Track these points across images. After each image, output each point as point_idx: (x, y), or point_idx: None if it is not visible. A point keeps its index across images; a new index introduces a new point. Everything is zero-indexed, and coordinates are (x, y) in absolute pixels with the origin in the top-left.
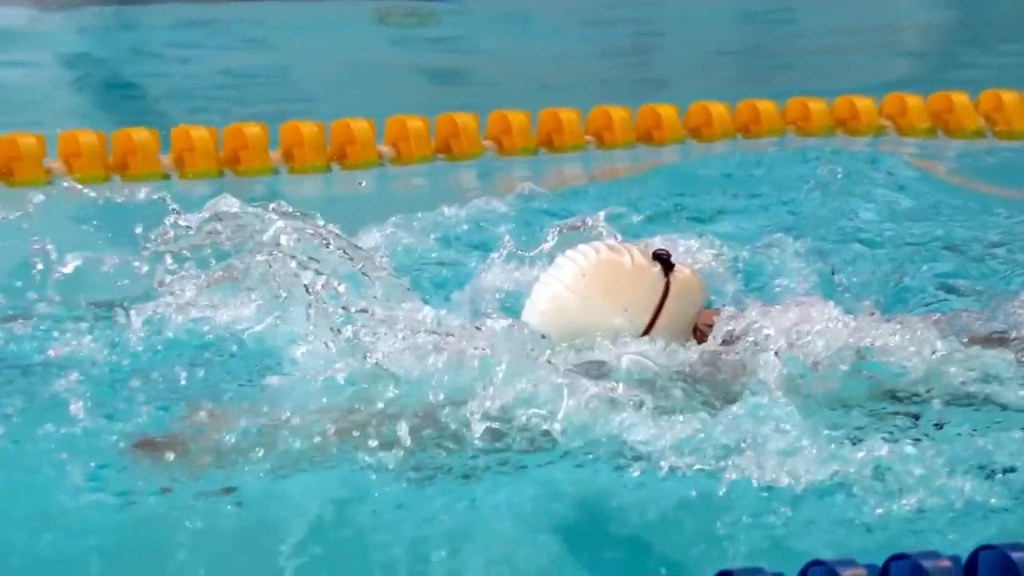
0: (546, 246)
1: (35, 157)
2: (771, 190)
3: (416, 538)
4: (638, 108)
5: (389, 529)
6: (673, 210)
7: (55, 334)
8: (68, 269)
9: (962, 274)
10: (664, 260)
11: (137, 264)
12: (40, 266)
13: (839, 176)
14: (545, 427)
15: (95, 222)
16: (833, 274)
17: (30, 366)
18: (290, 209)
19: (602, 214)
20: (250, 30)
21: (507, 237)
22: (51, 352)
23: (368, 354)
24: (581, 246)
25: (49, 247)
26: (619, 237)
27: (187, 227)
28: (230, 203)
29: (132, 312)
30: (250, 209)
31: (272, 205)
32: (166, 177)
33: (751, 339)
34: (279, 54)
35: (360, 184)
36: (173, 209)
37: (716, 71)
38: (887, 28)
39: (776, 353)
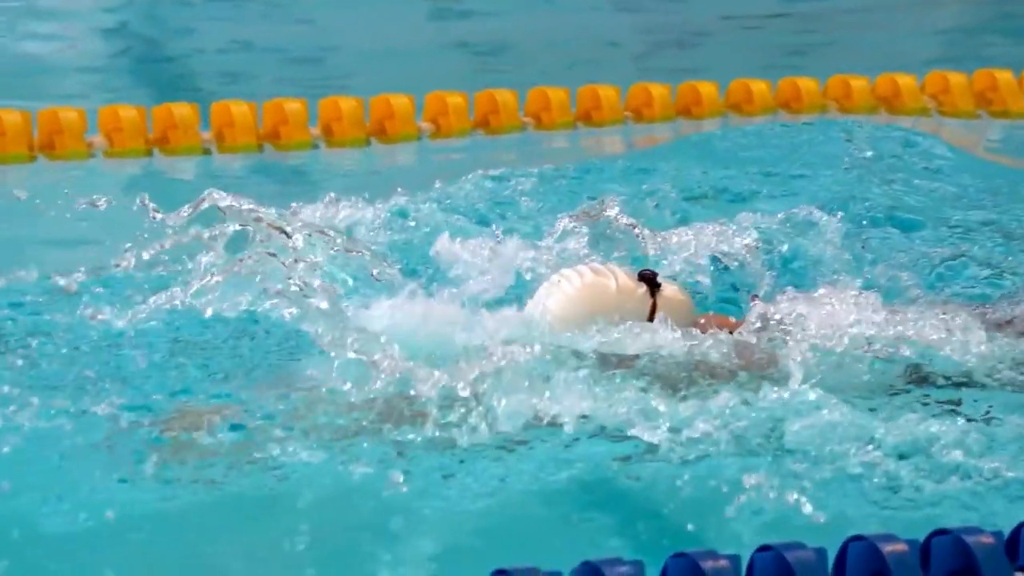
0: (558, 231)
1: (76, 131)
2: (810, 168)
3: (419, 514)
4: (678, 85)
5: (405, 503)
6: (709, 192)
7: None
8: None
9: (1003, 257)
10: (649, 280)
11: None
12: (77, 241)
13: (879, 155)
14: (564, 412)
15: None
16: (867, 253)
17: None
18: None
19: (616, 200)
20: (291, 5)
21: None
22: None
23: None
24: (566, 270)
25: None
26: (634, 224)
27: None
28: (219, 197)
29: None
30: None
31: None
32: (206, 152)
33: (785, 326)
34: (320, 29)
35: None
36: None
37: (755, 47)
38: (927, 3)
39: (807, 340)
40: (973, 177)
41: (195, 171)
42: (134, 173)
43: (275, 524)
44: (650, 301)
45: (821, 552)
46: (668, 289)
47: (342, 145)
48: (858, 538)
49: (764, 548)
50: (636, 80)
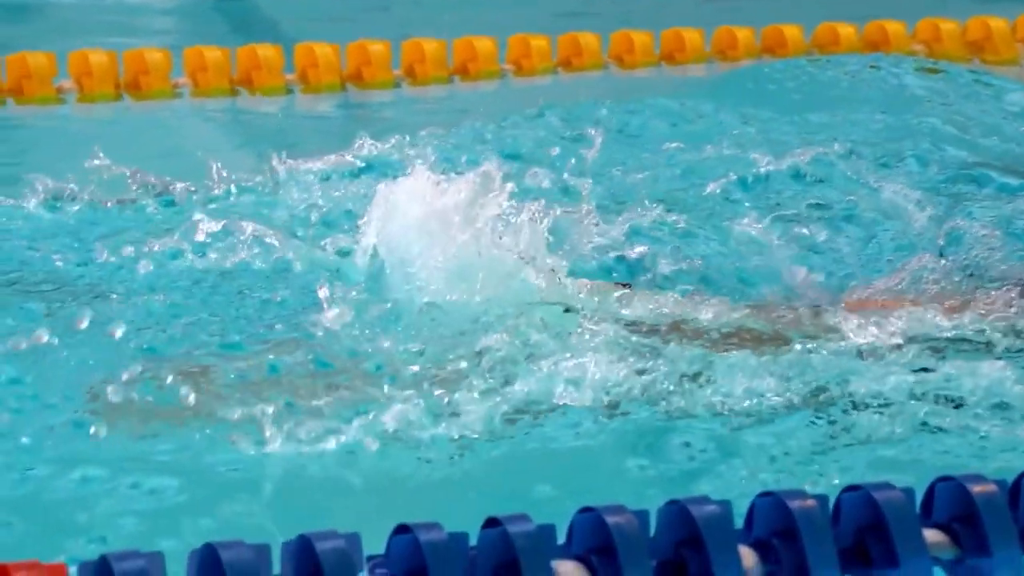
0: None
1: (162, 72)
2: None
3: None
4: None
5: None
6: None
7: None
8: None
9: None
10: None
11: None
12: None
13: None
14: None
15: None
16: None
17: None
18: None
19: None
20: None
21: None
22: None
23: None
24: None
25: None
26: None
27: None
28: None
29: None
30: None
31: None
32: (289, 92)
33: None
34: None
35: None
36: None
37: None
38: None
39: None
40: None
41: (278, 111)
42: (218, 113)
43: (290, 485)
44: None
45: (909, 492)
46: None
47: (424, 84)
48: (946, 479)
49: (851, 488)
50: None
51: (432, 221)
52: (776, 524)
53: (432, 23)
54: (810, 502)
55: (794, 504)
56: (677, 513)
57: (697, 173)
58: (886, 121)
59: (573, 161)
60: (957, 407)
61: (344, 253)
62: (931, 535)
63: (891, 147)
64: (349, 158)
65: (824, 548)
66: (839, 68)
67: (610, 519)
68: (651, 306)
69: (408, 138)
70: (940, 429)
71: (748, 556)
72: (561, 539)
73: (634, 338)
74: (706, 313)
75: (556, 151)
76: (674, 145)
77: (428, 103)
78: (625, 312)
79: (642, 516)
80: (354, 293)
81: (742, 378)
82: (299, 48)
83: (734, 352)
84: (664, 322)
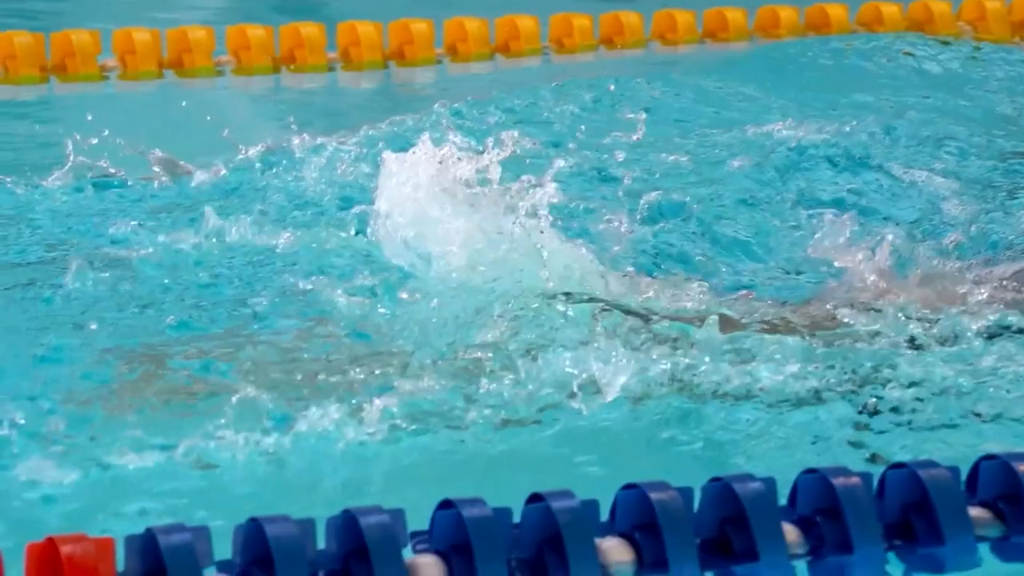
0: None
1: (205, 50)
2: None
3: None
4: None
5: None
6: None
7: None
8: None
9: None
10: None
11: None
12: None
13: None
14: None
15: (263, 113)
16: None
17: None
18: None
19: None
20: None
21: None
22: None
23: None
24: None
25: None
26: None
27: None
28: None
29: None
30: None
31: None
32: (331, 69)
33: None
34: None
35: None
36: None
37: None
38: None
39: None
40: None
41: (321, 89)
42: (260, 91)
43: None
44: None
45: (955, 470)
46: None
47: (467, 60)
48: (990, 457)
49: (896, 466)
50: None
51: (462, 204)
52: (820, 501)
53: (474, 2)
54: (854, 479)
55: (838, 481)
56: (721, 490)
57: (736, 153)
58: (928, 103)
59: (611, 142)
60: (999, 392)
61: (369, 235)
62: (977, 513)
63: (935, 129)
64: (385, 132)
65: (868, 525)
66: (880, 48)
67: (654, 496)
68: (687, 296)
69: (445, 117)
70: (980, 415)
71: (791, 533)
72: (604, 517)
73: (668, 323)
74: (743, 307)
75: (595, 132)
76: (713, 128)
77: (470, 82)
78: (659, 301)
79: (686, 493)
80: (393, 275)
81: (782, 362)
82: (342, 26)
83: (773, 336)
84: (703, 312)
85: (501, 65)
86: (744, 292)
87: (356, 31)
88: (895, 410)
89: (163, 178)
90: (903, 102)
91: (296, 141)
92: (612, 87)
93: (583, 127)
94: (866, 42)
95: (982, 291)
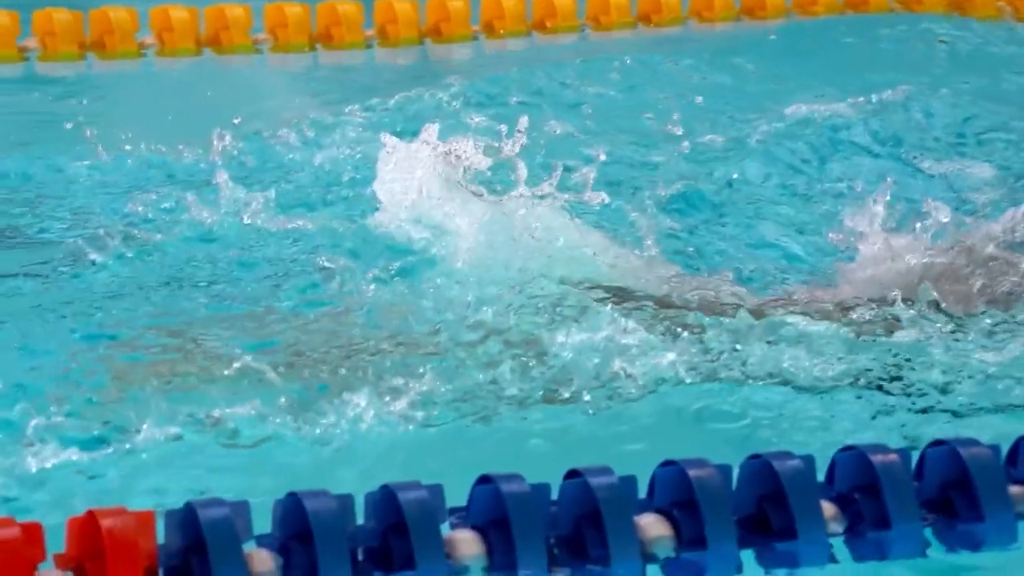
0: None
1: (242, 27)
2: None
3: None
4: None
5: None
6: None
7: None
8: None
9: None
10: None
11: None
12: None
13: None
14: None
15: (300, 90)
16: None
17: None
18: None
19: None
20: None
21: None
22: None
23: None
24: None
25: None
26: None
27: None
28: None
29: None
30: None
31: None
32: (368, 47)
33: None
34: None
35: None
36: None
37: None
38: None
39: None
40: None
41: (359, 66)
42: (297, 68)
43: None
44: None
45: (995, 448)
46: None
47: (504, 37)
48: None
49: (936, 443)
50: None
51: (478, 190)
52: (858, 478)
53: None
54: (892, 456)
55: (876, 458)
56: (760, 467)
57: (769, 134)
58: (966, 87)
59: (643, 124)
60: None
61: (403, 218)
62: (1017, 491)
63: (972, 111)
64: (420, 108)
65: (906, 502)
66: (918, 31)
67: (692, 473)
68: (723, 280)
69: (482, 95)
70: (1014, 405)
71: (829, 510)
72: (642, 494)
73: (701, 309)
74: (779, 292)
75: (627, 113)
76: (748, 110)
77: (506, 59)
78: (692, 284)
79: (725, 470)
80: (425, 256)
81: (810, 344)
82: (379, 3)
83: (800, 320)
84: (738, 297)
85: (538, 42)
86: (778, 282)
87: (393, 8)
88: (931, 392)
89: (201, 156)
90: (940, 83)
91: (331, 119)
92: (645, 67)
93: (614, 108)
94: (904, 23)
95: (1018, 278)
